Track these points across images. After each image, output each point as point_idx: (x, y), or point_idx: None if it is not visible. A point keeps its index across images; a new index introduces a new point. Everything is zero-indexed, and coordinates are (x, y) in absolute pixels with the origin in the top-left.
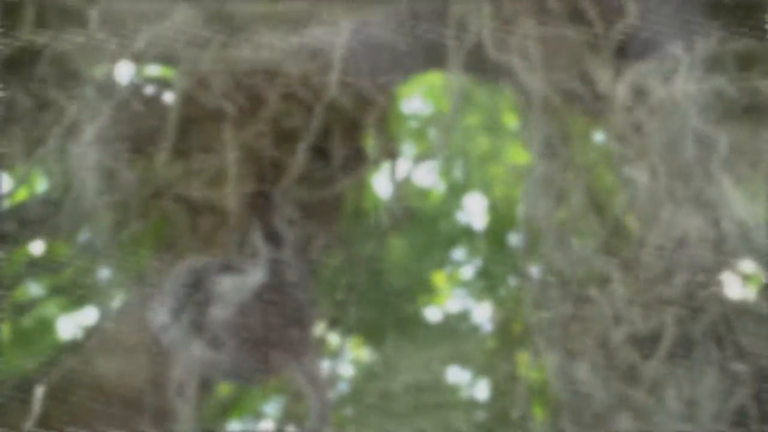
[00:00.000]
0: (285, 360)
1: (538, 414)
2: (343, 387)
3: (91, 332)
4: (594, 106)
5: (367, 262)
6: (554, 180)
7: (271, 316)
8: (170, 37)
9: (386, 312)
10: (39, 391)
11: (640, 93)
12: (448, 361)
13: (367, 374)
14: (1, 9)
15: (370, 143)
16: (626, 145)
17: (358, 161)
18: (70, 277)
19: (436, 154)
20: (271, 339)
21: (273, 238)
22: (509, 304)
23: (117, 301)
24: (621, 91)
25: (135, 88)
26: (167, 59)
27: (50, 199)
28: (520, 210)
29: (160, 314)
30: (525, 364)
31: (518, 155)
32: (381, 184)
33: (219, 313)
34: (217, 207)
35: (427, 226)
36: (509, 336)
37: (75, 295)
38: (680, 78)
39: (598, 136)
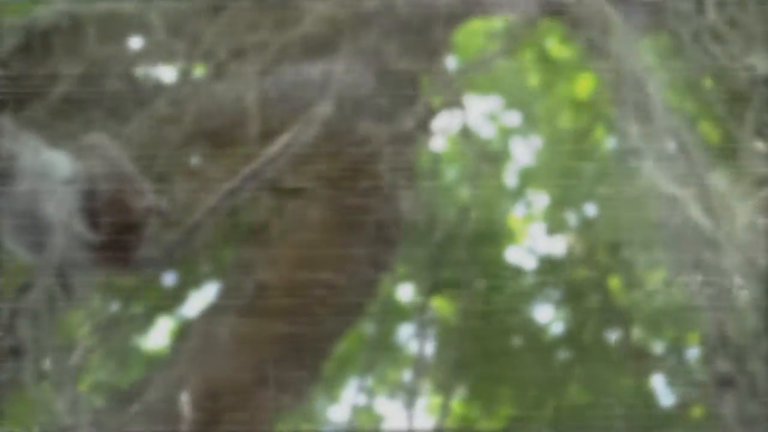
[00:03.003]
0: None
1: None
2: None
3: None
4: None
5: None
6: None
7: None
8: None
9: (471, 263)
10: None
11: None
12: (534, 301)
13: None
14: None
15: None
16: None
17: (424, 117)
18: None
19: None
20: None
21: None
22: (587, 234)
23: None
24: None
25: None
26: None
27: None
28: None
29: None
30: (616, 290)
31: (574, 88)
32: (444, 135)
33: None
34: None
35: (494, 172)
36: (597, 265)
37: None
38: None
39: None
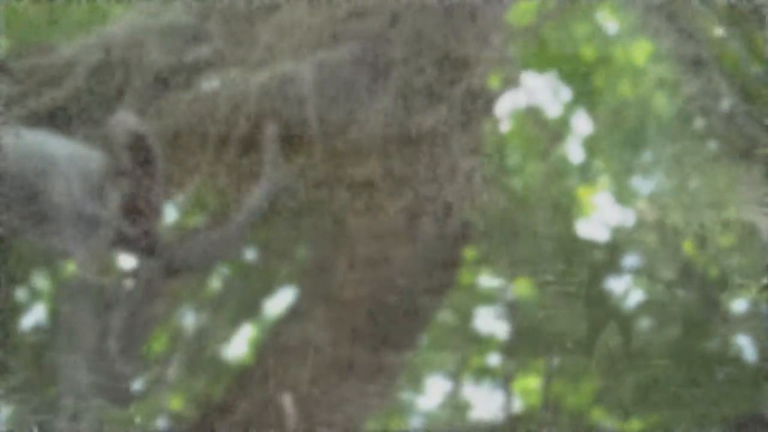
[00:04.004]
0: None
1: None
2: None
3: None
4: None
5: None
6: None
7: None
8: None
9: (546, 240)
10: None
11: None
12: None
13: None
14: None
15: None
16: None
17: (485, 98)
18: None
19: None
20: None
21: None
22: (657, 200)
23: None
24: None
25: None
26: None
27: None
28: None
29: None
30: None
31: (630, 56)
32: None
33: None
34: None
35: (558, 147)
36: (669, 230)
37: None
38: None
39: None
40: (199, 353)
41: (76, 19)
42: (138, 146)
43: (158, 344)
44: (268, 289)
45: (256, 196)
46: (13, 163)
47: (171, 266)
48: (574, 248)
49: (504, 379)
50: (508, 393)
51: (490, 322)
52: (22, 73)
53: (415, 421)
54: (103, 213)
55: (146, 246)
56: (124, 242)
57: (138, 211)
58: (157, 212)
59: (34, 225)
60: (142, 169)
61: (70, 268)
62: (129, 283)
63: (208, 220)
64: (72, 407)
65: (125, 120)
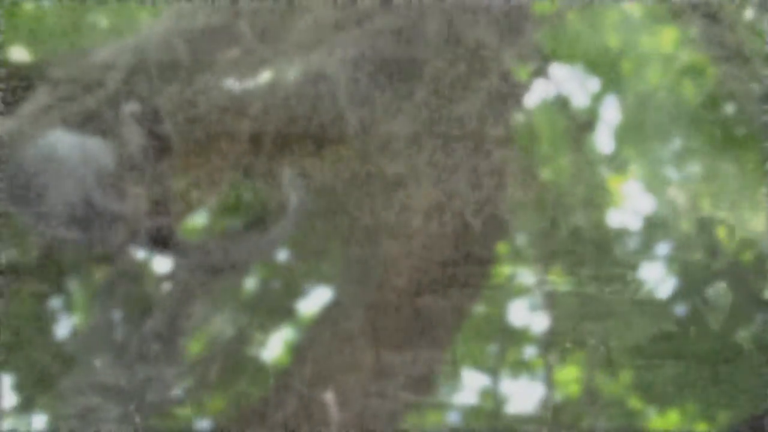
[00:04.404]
0: None
1: None
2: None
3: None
4: None
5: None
6: None
7: None
8: None
9: (580, 231)
10: None
11: None
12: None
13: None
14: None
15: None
16: None
17: (514, 89)
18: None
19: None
20: None
21: None
22: (687, 187)
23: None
24: None
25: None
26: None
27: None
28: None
29: None
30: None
31: (657, 43)
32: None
33: None
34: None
35: (587, 137)
36: (700, 216)
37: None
38: None
39: None
40: (237, 355)
41: (102, 26)
42: (152, 130)
43: (196, 346)
44: (302, 289)
45: (295, 205)
46: (21, 162)
47: (208, 267)
48: (607, 238)
49: (545, 370)
50: (550, 384)
51: (525, 315)
52: (58, 79)
53: (453, 417)
54: (121, 208)
55: (162, 239)
56: (140, 236)
57: (154, 203)
58: (171, 204)
59: (53, 225)
60: (156, 156)
61: (100, 273)
62: (166, 286)
63: (244, 221)
64: (113, 412)
65: (135, 108)
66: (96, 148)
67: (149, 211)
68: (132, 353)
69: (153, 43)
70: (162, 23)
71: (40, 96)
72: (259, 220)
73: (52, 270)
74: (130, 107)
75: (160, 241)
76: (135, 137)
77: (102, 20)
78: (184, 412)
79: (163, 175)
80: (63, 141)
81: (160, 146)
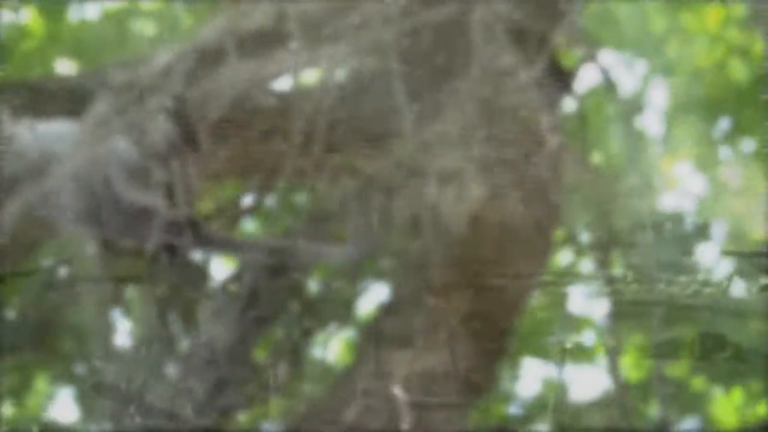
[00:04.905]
0: None
1: None
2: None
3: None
4: None
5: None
6: None
7: None
8: None
9: (634, 216)
10: None
11: None
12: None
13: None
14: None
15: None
16: None
17: (562, 77)
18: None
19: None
20: None
21: None
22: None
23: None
24: None
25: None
26: None
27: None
28: None
29: None
30: None
31: (703, 23)
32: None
33: None
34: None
35: (637, 121)
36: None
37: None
38: None
39: None
40: (301, 355)
41: (147, 33)
42: (179, 124)
43: (261, 348)
44: (360, 286)
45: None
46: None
47: (272, 268)
48: (661, 220)
49: (608, 356)
50: (616, 367)
51: (585, 302)
52: (120, 85)
53: (515, 408)
54: (149, 200)
55: (187, 231)
56: (166, 228)
57: (182, 194)
58: (195, 195)
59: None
60: (184, 145)
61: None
62: (232, 287)
63: (305, 221)
64: (189, 417)
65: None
66: (119, 143)
67: (172, 205)
68: (199, 358)
69: (207, 47)
70: (215, 27)
71: (101, 104)
72: (317, 220)
73: (111, 278)
74: (162, 102)
75: (188, 233)
76: (162, 132)
77: (147, 28)
78: (251, 414)
79: (188, 169)
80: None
81: (187, 140)
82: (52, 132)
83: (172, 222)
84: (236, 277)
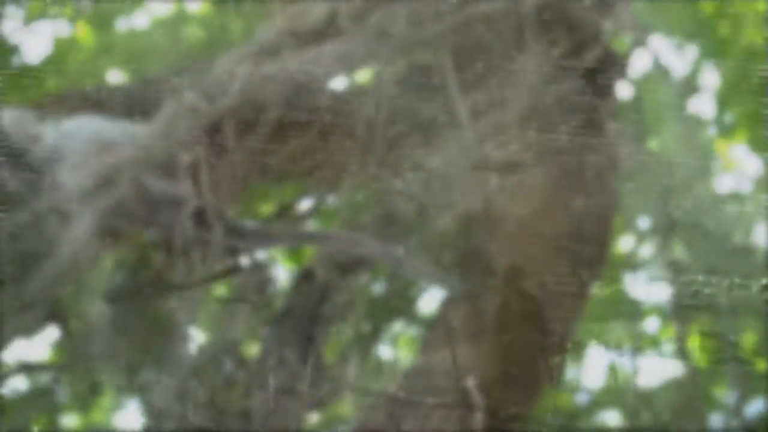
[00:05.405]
0: None
1: None
2: None
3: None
4: None
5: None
6: None
7: None
8: None
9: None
10: None
11: None
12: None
13: None
14: None
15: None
16: None
17: (615, 63)
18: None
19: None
20: None
21: None
22: None
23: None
24: None
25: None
26: None
27: None
28: None
29: None
30: None
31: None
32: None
33: None
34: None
35: (691, 104)
36: None
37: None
38: None
39: None
40: (370, 353)
41: (195, 40)
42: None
43: (332, 347)
44: (422, 284)
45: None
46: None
47: (341, 264)
48: (718, 203)
49: (674, 340)
50: (684, 351)
51: (647, 287)
52: (186, 90)
53: (582, 398)
54: (178, 191)
55: (215, 223)
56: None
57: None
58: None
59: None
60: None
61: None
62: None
63: (376, 217)
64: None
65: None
66: (138, 132)
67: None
68: (270, 360)
69: (265, 49)
70: (272, 28)
71: (167, 109)
72: (384, 218)
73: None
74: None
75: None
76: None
77: (196, 33)
78: (324, 415)
79: (216, 159)
80: (103, 127)
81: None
82: (74, 127)
83: (198, 213)
84: (306, 276)
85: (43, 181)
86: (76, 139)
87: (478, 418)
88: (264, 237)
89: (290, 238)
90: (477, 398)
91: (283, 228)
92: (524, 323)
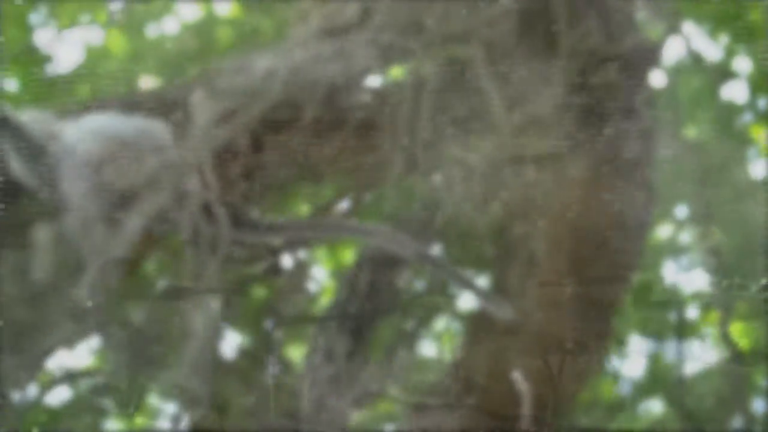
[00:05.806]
0: None
1: None
2: None
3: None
4: None
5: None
6: None
7: None
8: None
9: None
10: None
11: None
12: None
13: None
14: None
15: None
16: None
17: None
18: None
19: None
20: None
21: None
22: None
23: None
24: None
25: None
26: None
27: None
28: None
29: None
30: None
31: None
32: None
33: None
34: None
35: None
36: None
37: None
38: None
39: None
40: (413, 349)
41: (226, 42)
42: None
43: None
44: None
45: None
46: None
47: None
48: (755, 188)
49: (716, 327)
50: (727, 337)
51: (686, 275)
52: (223, 91)
53: (624, 388)
54: (192, 186)
55: (225, 217)
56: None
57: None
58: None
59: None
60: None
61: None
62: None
63: (416, 210)
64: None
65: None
66: (155, 129)
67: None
68: (318, 358)
69: (301, 47)
70: (306, 27)
71: (205, 111)
72: (426, 215)
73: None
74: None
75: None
76: (203, 118)
77: (227, 36)
78: (371, 411)
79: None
80: (118, 124)
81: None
82: (93, 126)
83: (207, 207)
84: (354, 273)
85: (60, 179)
86: (95, 138)
87: (525, 408)
88: (277, 229)
89: (308, 230)
90: (524, 388)
91: (296, 221)
92: (565, 315)
